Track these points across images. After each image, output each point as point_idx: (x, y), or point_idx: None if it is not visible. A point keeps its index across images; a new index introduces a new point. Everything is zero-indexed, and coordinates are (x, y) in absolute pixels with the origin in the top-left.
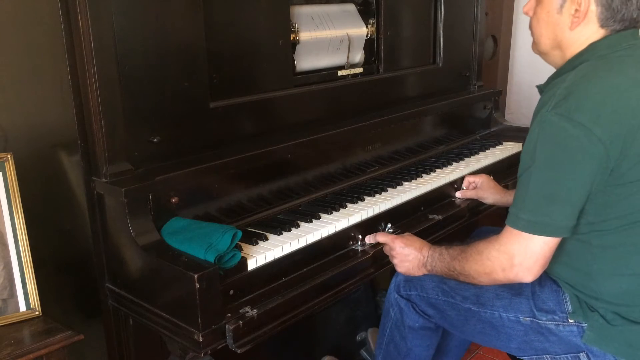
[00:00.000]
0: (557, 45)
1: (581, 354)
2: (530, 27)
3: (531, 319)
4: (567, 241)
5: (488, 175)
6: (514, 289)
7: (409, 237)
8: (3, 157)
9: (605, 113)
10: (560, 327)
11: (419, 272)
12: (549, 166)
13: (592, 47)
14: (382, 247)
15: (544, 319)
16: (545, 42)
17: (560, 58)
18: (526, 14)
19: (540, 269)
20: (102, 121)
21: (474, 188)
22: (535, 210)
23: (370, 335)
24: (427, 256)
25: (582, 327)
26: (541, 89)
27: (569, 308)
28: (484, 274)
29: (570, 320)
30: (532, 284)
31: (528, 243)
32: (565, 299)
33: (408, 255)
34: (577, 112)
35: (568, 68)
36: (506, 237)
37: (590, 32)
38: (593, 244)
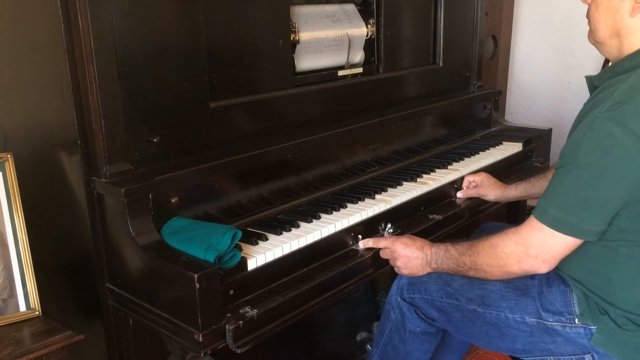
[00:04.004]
0: (616, 33)
1: (587, 355)
2: (588, 15)
3: (537, 320)
4: (592, 245)
5: (487, 173)
6: (520, 290)
7: (408, 238)
8: (3, 157)
9: None
10: (567, 329)
11: (423, 271)
12: (590, 170)
13: None
14: (380, 252)
15: (551, 320)
16: (603, 30)
17: (617, 49)
18: (585, 1)
19: (556, 262)
20: (102, 121)
21: (475, 187)
22: (565, 209)
23: (376, 329)
24: (431, 254)
25: (590, 329)
26: (592, 81)
27: (577, 310)
28: (497, 266)
29: (577, 322)
30: (539, 284)
31: (549, 239)
32: (573, 300)
33: (410, 255)
34: (632, 119)
35: (627, 67)
36: (527, 228)
37: None
38: (619, 253)
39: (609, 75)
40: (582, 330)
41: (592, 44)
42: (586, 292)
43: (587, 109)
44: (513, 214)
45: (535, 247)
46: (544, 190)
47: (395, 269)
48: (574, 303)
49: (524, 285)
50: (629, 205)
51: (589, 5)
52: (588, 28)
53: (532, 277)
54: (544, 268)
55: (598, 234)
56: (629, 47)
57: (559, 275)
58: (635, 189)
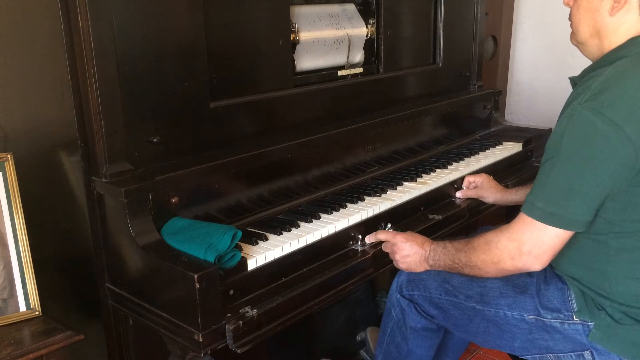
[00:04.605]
0: (596, 33)
1: (585, 352)
2: (570, 17)
3: (536, 317)
4: (583, 240)
5: (488, 175)
6: (519, 287)
7: (410, 233)
8: (3, 157)
9: (639, 112)
10: (566, 326)
11: (420, 267)
12: (573, 160)
13: (631, 42)
14: (382, 246)
15: (549, 317)
16: (584, 30)
17: (598, 48)
18: (567, 5)
19: (549, 259)
20: (102, 121)
21: (475, 188)
22: (552, 201)
23: (369, 334)
24: (429, 250)
25: (588, 325)
26: (574, 81)
27: (575, 306)
28: (491, 263)
29: (575, 319)
30: (537, 281)
31: (540, 233)
32: (571, 297)
33: (409, 250)
34: (609, 108)
35: (605, 63)
36: (518, 224)
37: (630, 21)
38: (610, 246)
39: (587, 72)
40: (580, 326)
41: (574, 45)
42: (583, 288)
43: (568, 102)
44: (513, 215)
45: (528, 242)
46: None
47: (394, 262)
48: (571, 300)
49: (522, 282)
50: (614, 195)
51: (571, 7)
52: (570, 30)
53: (530, 275)
54: (537, 265)
55: (586, 224)
56: (609, 46)
57: (555, 273)
58: (618, 177)
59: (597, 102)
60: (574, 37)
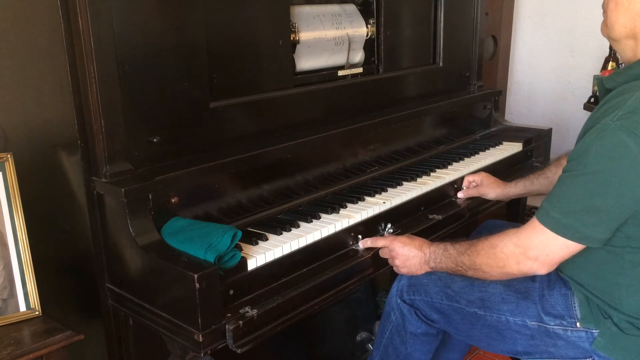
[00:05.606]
0: (632, 35)
1: (588, 359)
2: (604, 8)
3: (539, 323)
4: (596, 250)
5: (486, 172)
6: (521, 293)
7: (407, 237)
8: (3, 157)
9: None
10: (569, 332)
11: (421, 270)
12: (598, 177)
13: None
14: (380, 252)
15: (552, 323)
16: (620, 30)
17: (632, 50)
18: None
19: (555, 265)
20: (102, 121)
21: (475, 186)
22: (569, 214)
23: (377, 328)
24: (429, 253)
25: (592, 333)
26: (602, 82)
27: (578, 313)
28: (496, 267)
29: (579, 326)
30: (540, 286)
31: (549, 242)
32: (574, 303)
33: (408, 254)
34: None
35: None
36: (529, 230)
37: None
38: (625, 259)
39: (622, 79)
40: (583, 334)
41: (605, 37)
42: (588, 295)
43: (598, 114)
44: (513, 213)
45: (535, 249)
46: (543, 187)
47: (394, 268)
48: (575, 306)
49: (524, 288)
50: (637, 214)
51: None
52: (602, 19)
53: (533, 279)
54: (542, 270)
55: (602, 241)
56: None
57: (560, 277)
58: None
59: (632, 121)
60: (607, 32)
